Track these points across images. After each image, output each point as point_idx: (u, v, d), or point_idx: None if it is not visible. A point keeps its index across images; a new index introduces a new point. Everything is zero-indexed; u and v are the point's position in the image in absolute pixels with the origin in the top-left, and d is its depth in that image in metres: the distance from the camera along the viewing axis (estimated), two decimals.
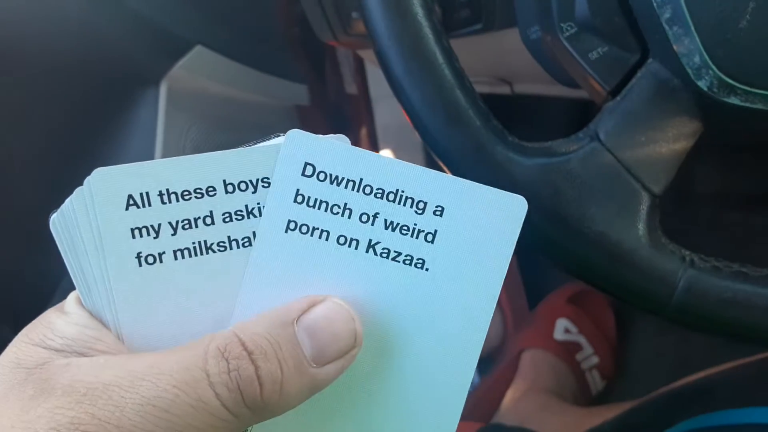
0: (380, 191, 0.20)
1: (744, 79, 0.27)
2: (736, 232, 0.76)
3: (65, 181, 0.67)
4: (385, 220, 0.20)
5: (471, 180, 0.30)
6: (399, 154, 0.92)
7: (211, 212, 0.20)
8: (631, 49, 0.29)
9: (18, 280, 0.63)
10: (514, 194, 0.21)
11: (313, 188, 0.20)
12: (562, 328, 0.79)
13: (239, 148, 0.20)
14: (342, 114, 0.92)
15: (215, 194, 0.20)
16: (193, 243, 0.20)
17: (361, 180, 0.20)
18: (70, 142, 0.64)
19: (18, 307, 0.61)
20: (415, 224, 0.20)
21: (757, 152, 0.66)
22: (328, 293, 0.20)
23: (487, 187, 0.21)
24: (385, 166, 0.20)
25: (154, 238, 0.20)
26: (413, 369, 0.21)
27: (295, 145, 0.20)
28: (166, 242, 0.20)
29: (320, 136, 0.20)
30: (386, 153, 0.92)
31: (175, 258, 0.20)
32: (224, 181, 0.20)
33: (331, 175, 0.20)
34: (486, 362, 0.85)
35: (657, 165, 0.29)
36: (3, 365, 0.19)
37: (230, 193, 0.20)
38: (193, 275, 0.20)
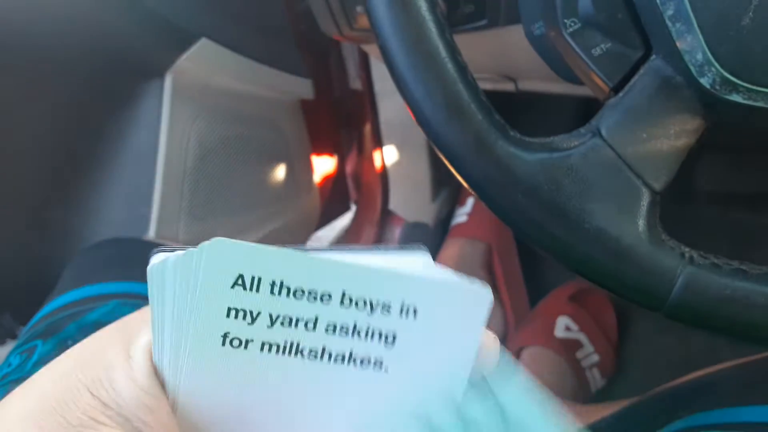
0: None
1: (747, 76, 0.27)
2: (738, 231, 0.76)
3: (70, 172, 0.67)
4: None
5: (473, 175, 0.30)
6: (403, 149, 0.92)
7: (316, 318, 0.19)
8: (634, 45, 0.29)
9: (21, 269, 0.63)
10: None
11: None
12: (563, 326, 0.79)
13: (372, 266, 0.19)
14: (346, 109, 0.92)
15: (329, 302, 0.19)
16: (285, 341, 0.19)
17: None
18: (75, 134, 0.64)
19: (19, 295, 0.62)
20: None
21: (760, 151, 0.66)
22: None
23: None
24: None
25: (249, 324, 0.18)
26: None
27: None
28: (259, 332, 0.19)
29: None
30: (390, 149, 0.92)
31: (261, 350, 0.19)
32: (343, 292, 0.19)
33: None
34: None
35: (658, 161, 0.29)
36: (50, 404, 0.18)
37: (344, 306, 0.19)
38: (272, 373, 0.19)
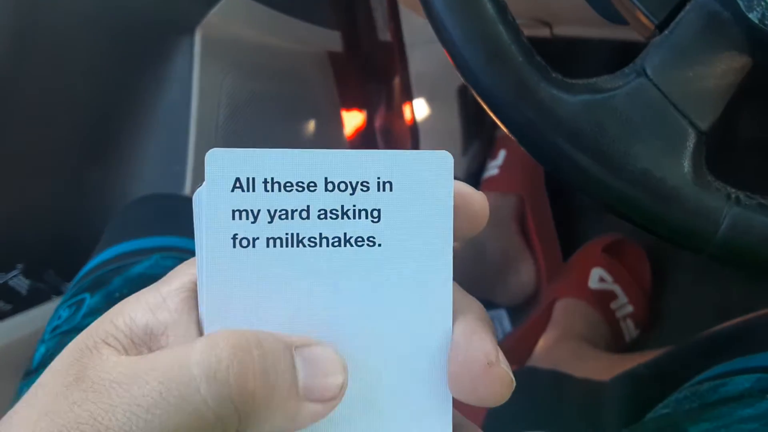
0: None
1: None
2: None
3: (105, 131, 0.68)
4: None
5: (513, 119, 0.30)
6: (433, 102, 0.91)
7: (308, 207, 0.21)
8: None
9: (61, 227, 0.65)
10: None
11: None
12: (597, 277, 0.79)
13: (345, 150, 0.21)
14: (375, 62, 0.91)
15: (315, 190, 0.21)
16: (287, 234, 0.21)
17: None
18: (109, 93, 0.65)
19: (61, 252, 0.63)
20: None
21: None
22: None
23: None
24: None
25: (252, 222, 0.20)
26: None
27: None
28: (262, 229, 0.20)
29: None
30: (420, 102, 0.91)
31: (267, 246, 0.20)
32: (326, 178, 0.21)
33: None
34: (520, 312, 0.85)
35: (704, 101, 0.28)
36: (79, 337, 0.20)
37: (329, 191, 0.21)
38: (281, 266, 0.21)
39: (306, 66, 0.80)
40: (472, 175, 0.90)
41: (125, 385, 0.17)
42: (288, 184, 0.20)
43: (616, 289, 0.79)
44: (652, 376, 0.49)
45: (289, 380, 0.19)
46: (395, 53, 0.87)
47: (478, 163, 0.91)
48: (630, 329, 0.78)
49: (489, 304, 0.85)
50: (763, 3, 0.27)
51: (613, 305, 0.78)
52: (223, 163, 0.20)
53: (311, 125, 0.82)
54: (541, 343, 0.74)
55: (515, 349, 0.75)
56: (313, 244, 0.21)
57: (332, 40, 0.81)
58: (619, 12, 0.30)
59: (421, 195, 0.21)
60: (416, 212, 0.21)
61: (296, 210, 0.21)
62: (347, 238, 0.21)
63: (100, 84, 0.63)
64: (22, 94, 0.58)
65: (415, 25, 0.84)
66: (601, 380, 0.54)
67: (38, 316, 0.62)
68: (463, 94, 0.87)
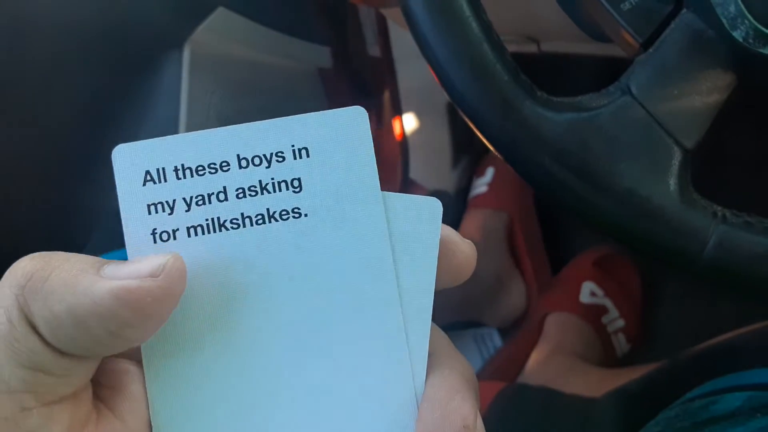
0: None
1: None
2: None
3: (91, 147, 0.67)
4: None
5: (499, 137, 0.30)
6: (422, 117, 0.91)
7: (224, 188, 0.20)
8: None
9: (49, 247, 0.64)
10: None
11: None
12: (588, 291, 0.78)
13: (253, 122, 0.20)
14: (365, 77, 0.91)
15: (229, 169, 0.20)
16: (206, 220, 0.20)
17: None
18: (97, 108, 0.64)
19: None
20: (272, 178, 0.20)
21: None
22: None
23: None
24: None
25: (169, 214, 0.20)
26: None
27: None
28: (180, 219, 0.20)
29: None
30: (409, 117, 0.91)
31: (188, 235, 0.20)
32: (238, 155, 0.20)
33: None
34: (510, 328, 0.85)
35: (690, 119, 0.28)
36: None
37: (244, 168, 0.20)
38: (207, 254, 0.20)
39: (295, 82, 0.80)
40: (462, 191, 0.89)
41: None
42: (200, 168, 0.20)
43: (607, 303, 0.79)
44: (642, 394, 0.48)
45: (82, 262, 0.18)
46: (384, 68, 0.87)
47: (468, 178, 0.91)
48: (621, 344, 0.78)
49: (479, 325, 0.84)
50: (746, 21, 0.27)
51: (604, 319, 0.78)
52: (130, 159, 0.20)
53: None
54: (533, 359, 0.74)
55: (507, 362, 0.75)
56: (236, 226, 0.20)
57: (321, 55, 0.81)
58: (605, 31, 0.30)
59: (340, 156, 0.20)
60: (338, 175, 0.20)
61: (212, 193, 0.20)
62: (271, 213, 0.20)
63: (87, 99, 0.63)
64: (8, 110, 0.58)
65: (404, 41, 0.84)
66: (592, 397, 0.54)
67: None
68: (452, 109, 0.87)
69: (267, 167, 0.20)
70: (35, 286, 0.17)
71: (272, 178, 0.20)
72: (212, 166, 0.20)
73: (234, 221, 0.20)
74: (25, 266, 0.18)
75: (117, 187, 0.20)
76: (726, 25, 0.27)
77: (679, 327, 0.80)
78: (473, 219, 0.86)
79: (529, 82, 0.29)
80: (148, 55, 0.64)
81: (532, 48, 0.52)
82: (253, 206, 0.20)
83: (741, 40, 0.27)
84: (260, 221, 0.20)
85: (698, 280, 0.29)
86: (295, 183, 0.20)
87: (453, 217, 0.86)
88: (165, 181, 0.20)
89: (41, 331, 0.17)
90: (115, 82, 0.64)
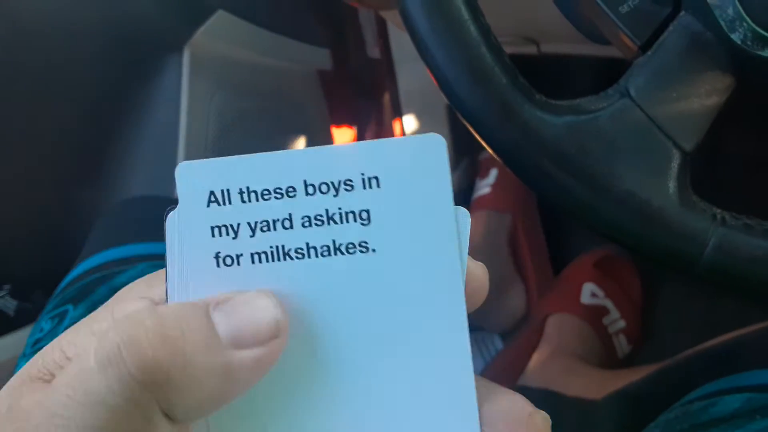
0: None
1: None
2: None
3: (94, 149, 0.67)
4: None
5: (498, 141, 0.30)
6: (422, 118, 0.91)
7: (290, 215, 0.19)
8: (662, 1, 0.28)
9: (49, 246, 0.64)
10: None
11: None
12: (589, 293, 0.78)
13: (322, 146, 0.19)
14: (364, 79, 0.91)
15: (295, 195, 0.19)
16: (271, 247, 0.19)
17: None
18: (97, 111, 0.64)
19: (49, 272, 0.63)
20: (339, 208, 0.19)
21: None
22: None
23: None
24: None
25: (233, 238, 0.19)
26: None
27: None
28: (245, 244, 0.19)
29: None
30: (409, 118, 0.91)
31: (252, 262, 0.19)
32: (305, 181, 0.19)
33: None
34: (511, 333, 0.85)
35: (689, 121, 0.28)
36: (27, 364, 0.19)
37: (311, 195, 0.19)
38: (269, 283, 0.19)
39: (295, 84, 0.80)
40: (462, 192, 0.89)
41: (44, 405, 0.17)
42: (265, 192, 0.19)
43: (608, 304, 0.78)
44: (642, 395, 0.48)
45: (203, 335, 0.17)
46: (384, 70, 0.87)
47: (469, 180, 0.91)
48: (622, 345, 0.78)
49: (480, 330, 0.84)
50: (745, 24, 0.27)
51: (605, 320, 0.78)
52: (195, 177, 0.19)
53: (301, 143, 0.82)
54: (534, 360, 0.73)
55: (507, 364, 0.75)
56: (300, 256, 0.19)
57: (321, 57, 0.81)
58: (603, 33, 0.30)
59: (414, 188, 0.19)
60: (410, 208, 0.19)
61: (278, 220, 0.19)
62: (336, 245, 0.19)
63: (88, 102, 0.63)
64: (8, 112, 0.58)
65: (403, 42, 0.84)
66: (592, 399, 0.54)
67: (26, 338, 0.61)
68: (452, 110, 0.86)
69: (335, 195, 0.19)
70: (171, 378, 0.16)
71: (339, 208, 0.19)
72: (278, 191, 0.19)
73: (299, 251, 0.19)
74: (144, 355, 0.16)
75: (179, 205, 0.19)
76: (724, 28, 0.27)
77: (680, 328, 0.80)
78: (475, 220, 0.86)
79: (527, 85, 0.29)
80: (148, 58, 0.64)
81: (531, 49, 0.52)
82: (318, 237, 0.19)
83: (739, 42, 0.27)
84: (325, 253, 0.19)
85: (698, 282, 0.29)
86: (364, 215, 0.19)
87: None
88: (230, 203, 0.19)
89: (170, 414, 0.17)
90: (115, 84, 0.64)
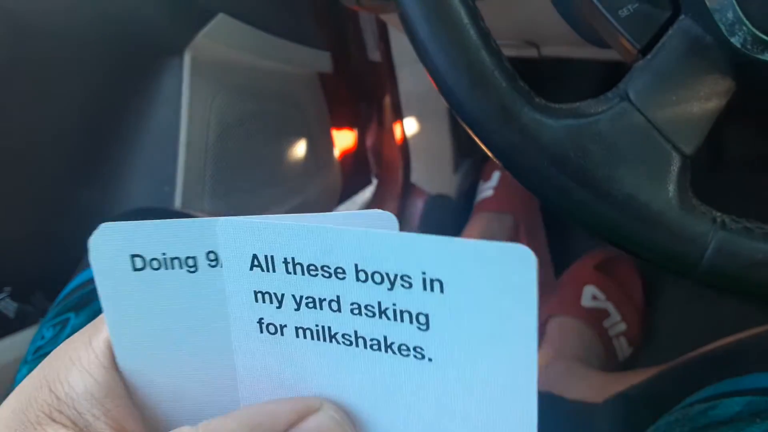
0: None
1: None
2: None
3: (94, 152, 0.67)
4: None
5: (498, 144, 0.30)
6: (423, 121, 0.91)
7: (338, 297, 0.17)
8: (662, 5, 0.28)
9: (49, 249, 0.64)
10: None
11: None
12: (590, 295, 0.78)
13: (380, 231, 0.16)
14: (365, 81, 0.91)
15: (344, 278, 0.17)
16: (317, 326, 0.17)
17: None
18: (97, 114, 0.64)
19: (49, 275, 0.63)
20: (394, 304, 0.16)
21: None
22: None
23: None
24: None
25: (277, 307, 0.17)
26: None
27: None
28: (290, 316, 0.17)
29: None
30: (410, 121, 0.91)
31: (297, 335, 0.18)
32: (356, 265, 0.16)
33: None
34: None
35: (688, 125, 0.28)
36: (20, 403, 0.18)
37: (362, 281, 0.16)
38: (312, 358, 0.18)
39: (296, 87, 0.80)
40: (464, 194, 0.89)
41: None
42: (312, 268, 0.17)
43: (609, 306, 0.78)
44: (643, 398, 0.48)
45: None
46: (385, 73, 0.87)
47: (470, 182, 0.91)
48: (623, 347, 0.78)
49: None
50: (744, 27, 0.27)
51: (606, 323, 0.78)
52: (238, 236, 0.17)
53: (302, 146, 0.82)
54: None
55: None
56: (348, 342, 0.17)
57: (322, 60, 0.81)
58: (603, 37, 0.30)
59: (486, 304, 0.15)
60: (480, 327, 0.15)
61: (325, 300, 0.17)
62: (388, 343, 0.17)
63: (88, 105, 0.63)
64: (9, 115, 0.58)
65: (404, 45, 0.84)
66: (593, 402, 0.54)
67: (26, 340, 0.61)
68: (453, 112, 0.87)
69: (389, 289, 0.16)
70: None
71: (394, 304, 0.16)
72: (326, 269, 0.17)
73: (346, 337, 0.17)
74: None
75: (224, 262, 0.17)
76: (724, 31, 0.27)
77: (681, 331, 0.79)
78: (477, 222, 0.86)
79: (527, 88, 0.29)
80: (149, 61, 0.64)
81: (531, 53, 0.52)
82: (369, 328, 0.17)
83: (739, 46, 0.27)
84: (375, 347, 0.17)
85: (699, 285, 0.29)
86: (422, 319, 0.16)
87: (455, 222, 0.86)
88: (273, 271, 0.17)
89: None
90: (116, 87, 0.64)
